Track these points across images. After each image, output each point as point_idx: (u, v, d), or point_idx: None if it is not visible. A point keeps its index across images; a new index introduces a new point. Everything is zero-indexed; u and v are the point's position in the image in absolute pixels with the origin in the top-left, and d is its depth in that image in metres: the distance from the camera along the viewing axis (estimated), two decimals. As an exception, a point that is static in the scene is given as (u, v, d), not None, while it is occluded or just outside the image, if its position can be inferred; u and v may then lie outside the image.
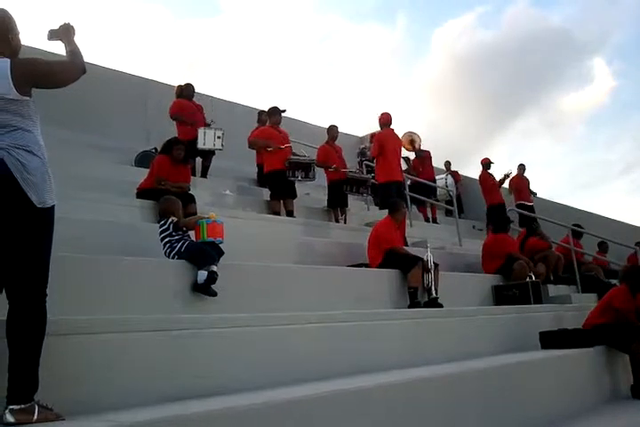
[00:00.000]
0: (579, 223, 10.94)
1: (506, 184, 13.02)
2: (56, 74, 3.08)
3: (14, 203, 2.76)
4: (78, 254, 4.28)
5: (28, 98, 2.92)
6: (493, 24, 40.33)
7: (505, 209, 12.01)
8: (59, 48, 3.27)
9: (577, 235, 10.50)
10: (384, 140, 9.52)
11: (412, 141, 14.03)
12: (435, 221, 13.32)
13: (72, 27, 3.24)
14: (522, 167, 13.24)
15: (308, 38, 43.13)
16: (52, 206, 2.89)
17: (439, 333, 5.44)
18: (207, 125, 9.89)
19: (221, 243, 5.05)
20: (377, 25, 41.72)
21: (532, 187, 13.49)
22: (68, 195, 5.47)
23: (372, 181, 10.08)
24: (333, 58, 42.01)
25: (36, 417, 2.63)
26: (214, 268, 4.72)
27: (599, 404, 5.58)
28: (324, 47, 42.41)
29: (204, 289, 4.65)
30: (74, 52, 3.15)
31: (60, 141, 8.96)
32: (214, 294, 4.66)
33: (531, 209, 12.45)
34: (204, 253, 4.81)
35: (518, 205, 12.33)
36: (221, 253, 4.96)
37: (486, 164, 12.81)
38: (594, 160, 37.15)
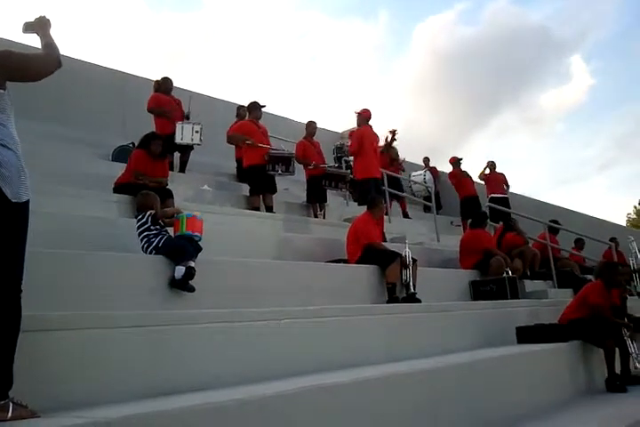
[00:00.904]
0: (555, 219, 11.03)
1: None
2: (31, 67, 3.04)
3: (-12, 197, 2.72)
4: (54, 249, 4.24)
5: (2, 91, 2.88)
6: (473, 21, 40.69)
7: (479, 202, 12.09)
8: (34, 41, 3.23)
9: (553, 231, 10.60)
10: (363, 136, 9.51)
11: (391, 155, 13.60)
12: (406, 215, 13.26)
13: (48, 19, 3.21)
14: (492, 164, 13.28)
15: (289, 33, 43.16)
16: (27, 201, 2.86)
17: (417, 328, 5.47)
18: (186, 118, 9.85)
19: (200, 240, 5.03)
20: (358, 20, 41.84)
21: (511, 183, 13.55)
22: (43, 189, 5.41)
23: (351, 176, 10.07)
24: (314, 53, 42.09)
25: (10, 414, 2.60)
26: (192, 263, 4.69)
27: (575, 397, 5.65)
28: (305, 42, 42.47)
29: (182, 285, 4.63)
30: (49, 45, 3.12)
31: (37, 135, 8.88)
32: (192, 289, 4.65)
33: (504, 201, 12.50)
34: (181, 249, 4.78)
35: (491, 199, 12.38)
36: (199, 248, 4.94)
37: (455, 162, 12.87)
38: (572, 157, 37.67)
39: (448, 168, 13.28)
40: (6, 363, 2.66)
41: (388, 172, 12.34)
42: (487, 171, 13.07)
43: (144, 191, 5.56)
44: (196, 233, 5.03)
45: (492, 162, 13.21)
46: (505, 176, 13.31)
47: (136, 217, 5.25)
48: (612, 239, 10.80)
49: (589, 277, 8.70)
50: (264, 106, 9.52)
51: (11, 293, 2.73)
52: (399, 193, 12.80)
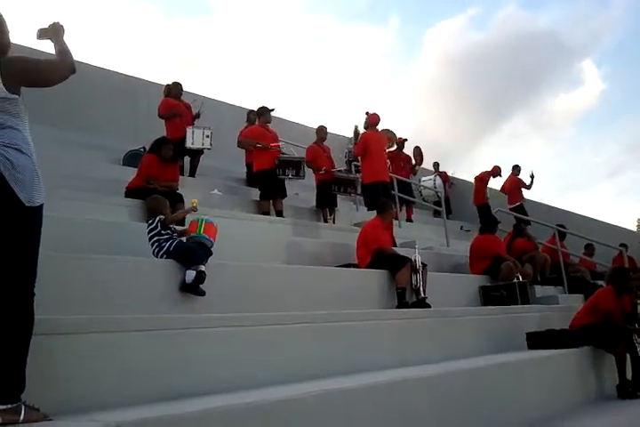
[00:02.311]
0: (562, 224, 10.98)
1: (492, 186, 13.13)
2: (45, 73, 3.07)
3: (2, 201, 2.75)
4: (66, 254, 4.26)
5: (16, 96, 2.90)
6: (484, 26, 40.61)
7: (490, 209, 12.06)
8: (48, 47, 3.26)
9: (560, 235, 10.55)
10: (369, 140, 9.50)
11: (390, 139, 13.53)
12: (409, 220, 13.14)
13: (61, 26, 3.23)
14: (516, 168, 13.30)
15: (300, 39, 43.29)
16: (41, 205, 2.88)
17: (427, 333, 5.46)
18: (196, 117, 9.91)
19: (212, 246, 5.04)
20: (369, 26, 41.85)
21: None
22: (56, 193, 5.45)
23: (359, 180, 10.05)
24: (325, 58, 42.19)
25: (22, 417, 2.62)
26: (202, 267, 4.70)
27: (585, 404, 5.62)
28: (316, 47, 42.56)
29: (192, 289, 4.64)
30: (63, 50, 3.14)
31: (50, 140, 8.92)
32: (202, 293, 4.65)
33: (520, 208, 12.49)
34: (192, 253, 4.80)
35: (513, 208, 12.38)
36: (210, 253, 4.95)
37: (495, 173, 12.86)
38: (582, 162, 37.50)
39: (458, 173, 13.25)
40: (19, 366, 2.67)
41: (399, 176, 12.30)
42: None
43: (154, 196, 5.59)
44: (210, 238, 5.05)
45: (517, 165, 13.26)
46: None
47: (146, 221, 5.27)
48: (623, 245, 10.75)
49: (600, 282, 8.66)
50: (273, 109, 9.55)
51: (24, 296, 2.75)
52: (409, 198, 12.74)
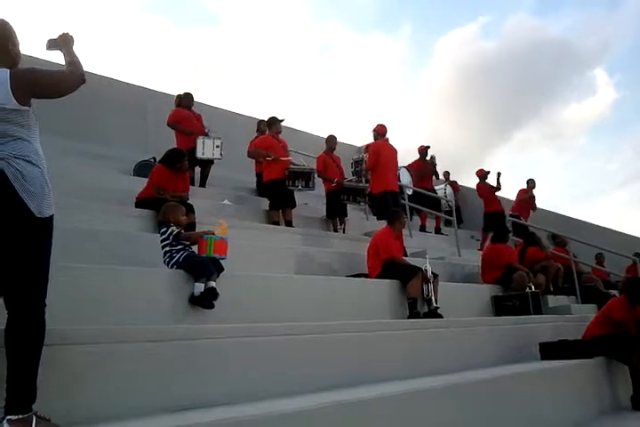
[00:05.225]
0: (561, 231, 10.90)
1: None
2: (55, 84, 3.08)
3: (13, 213, 2.76)
4: (77, 264, 4.26)
5: (27, 108, 2.92)
6: (496, 34, 40.51)
7: (504, 218, 11.96)
8: (58, 58, 3.28)
9: (560, 243, 10.50)
10: (379, 150, 9.51)
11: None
12: (438, 231, 13.24)
13: (71, 36, 3.26)
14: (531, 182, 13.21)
15: (310, 48, 43.37)
16: (51, 216, 2.89)
17: (439, 344, 5.42)
18: (206, 134, 9.92)
19: (224, 259, 5.02)
20: (380, 34, 41.87)
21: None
22: (66, 204, 5.46)
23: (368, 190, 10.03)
24: (335, 67, 42.21)
25: (33, 428, 2.61)
26: (213, 283, 4.68)
27: (599, 415, 5.55)
28: (326, 56, 42.63)
29: (201, 302, 4.61)
30: (73, 61, 3.16)
31: (59, 151, 8.97)
32: (211, 307, 4.63)
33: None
34: (201, 265, 4.76)
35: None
36: (221, 268, 4.91)
37: (482, 176, 12.70)
38: (594, 171, 37.24)
39: (470, 182, 13.19)
40: (30, 376, 2.67)
41: (419, 189, 12.31)
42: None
43: (169, 203, 5.55)
44: (222, 256, 5.02)
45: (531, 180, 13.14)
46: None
47: (159, 229, 5.23)
48: (637, 254, 10.66)
49: (613, 292, 8.59)
50: (283, 120, 9.57)
51: (35, 307, 2.75)
52: (435, 212, 12.79)
